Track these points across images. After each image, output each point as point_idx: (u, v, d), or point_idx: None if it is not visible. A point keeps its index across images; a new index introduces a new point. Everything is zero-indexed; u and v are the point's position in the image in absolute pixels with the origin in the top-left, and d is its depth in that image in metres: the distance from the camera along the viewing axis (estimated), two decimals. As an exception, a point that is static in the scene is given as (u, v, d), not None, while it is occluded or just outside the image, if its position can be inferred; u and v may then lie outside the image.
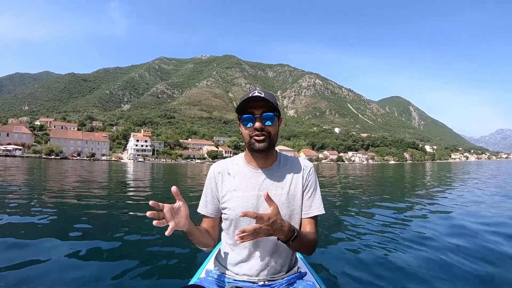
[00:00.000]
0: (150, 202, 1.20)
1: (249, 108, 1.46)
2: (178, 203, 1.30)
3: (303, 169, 1.61)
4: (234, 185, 1.54)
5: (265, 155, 1.53)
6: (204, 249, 1.60)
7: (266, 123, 1.45)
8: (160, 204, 1.23)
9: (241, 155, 1.65)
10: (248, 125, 1.47)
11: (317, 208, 1.58)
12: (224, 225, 1.61)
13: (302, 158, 1.69)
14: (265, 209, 1.42)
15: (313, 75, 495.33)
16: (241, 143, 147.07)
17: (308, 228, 1.57)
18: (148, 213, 1.15)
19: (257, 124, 1.44)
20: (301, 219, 1.59)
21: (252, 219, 1.38)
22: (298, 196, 1.55)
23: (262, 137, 1.45)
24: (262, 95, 1.43)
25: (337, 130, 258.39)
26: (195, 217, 1.53)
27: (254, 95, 1.44)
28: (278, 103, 1.49)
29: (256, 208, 1.49)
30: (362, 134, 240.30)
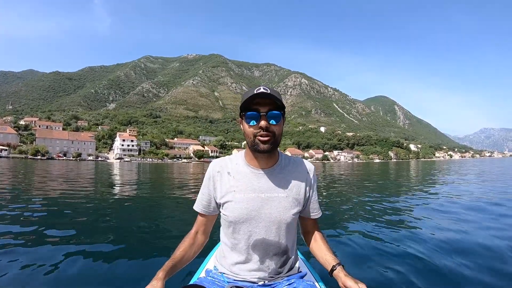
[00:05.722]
0: None
1: (254, 105, 1.38)
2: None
3: (308, 172, 1.56)
4: (234, 186, 1.48)
5: (267, 156, 1.47)
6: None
7: (271, 122, 1.38)
8: None
9: (241, 153, 1.58)
10: (252, 123, 1.39)
11: (319, 209, 1.61)
12: (223, 225, 1.57)
13: (304, 159, 1.63)
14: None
15: (299, 75, 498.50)
16: (227, 143, 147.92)
17: (313, 227, 1.62)
18: None
19: (263, 123, 1.36)
20: (305, 219, 1.61)
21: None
22: (301, 199, 1.52)
23: (267, 138, 1.38)
24: (269, 92, 1.35)
25: (322, 129, 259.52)
26: (193, 214, 1.59)
27: (260, 91, 1.35)
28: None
29: (257, 210, 1.45)
30: (348, 133, 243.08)
